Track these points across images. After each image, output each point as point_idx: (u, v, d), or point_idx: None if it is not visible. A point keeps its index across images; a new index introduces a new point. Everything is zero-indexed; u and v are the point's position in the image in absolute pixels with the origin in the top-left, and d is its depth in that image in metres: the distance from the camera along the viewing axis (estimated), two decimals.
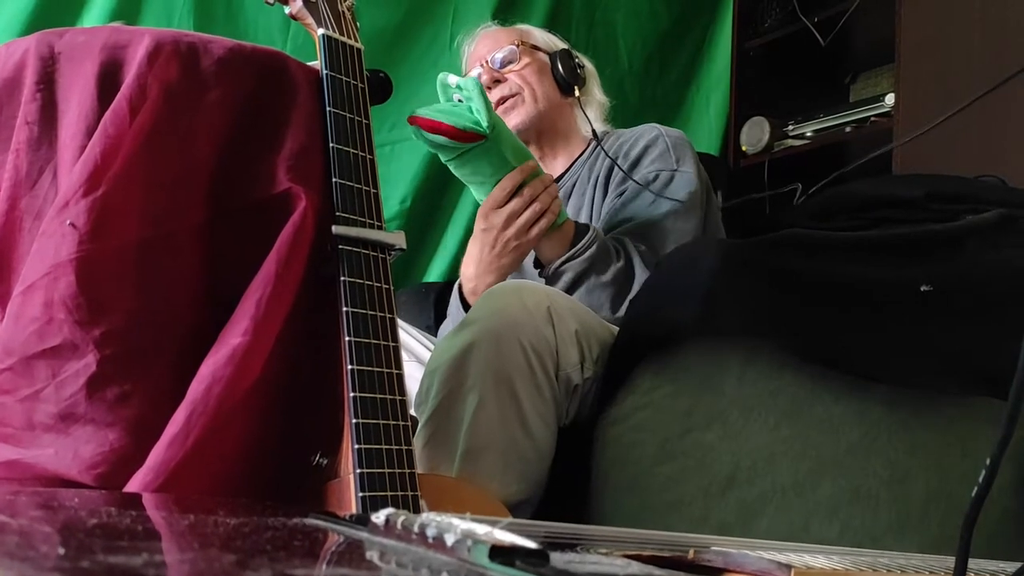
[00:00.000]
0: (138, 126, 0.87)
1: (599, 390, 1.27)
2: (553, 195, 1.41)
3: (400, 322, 1.04)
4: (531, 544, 0.42)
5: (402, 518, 0.49)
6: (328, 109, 0.97)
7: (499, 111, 1.68)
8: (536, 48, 1.76)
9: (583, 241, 1.44)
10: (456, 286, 1.53)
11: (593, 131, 1.69)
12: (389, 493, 0.89)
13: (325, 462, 0.96)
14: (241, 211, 0.93)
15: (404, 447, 0.91)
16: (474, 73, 1.73)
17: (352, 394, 0.90)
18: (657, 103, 2.68)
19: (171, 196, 0.90)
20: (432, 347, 1.60)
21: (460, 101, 1.33)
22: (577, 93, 1.72)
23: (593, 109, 1.77)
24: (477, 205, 1.45)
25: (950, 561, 0.54)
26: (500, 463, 1.15)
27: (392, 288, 0.97)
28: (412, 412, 1.14)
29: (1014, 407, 0.46)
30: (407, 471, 0.91)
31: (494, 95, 1.69)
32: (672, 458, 1.18)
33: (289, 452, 0.95)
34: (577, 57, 1.76)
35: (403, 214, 2.27)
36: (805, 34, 2.47)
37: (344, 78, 1.00)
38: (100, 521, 0.53)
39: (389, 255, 0.98)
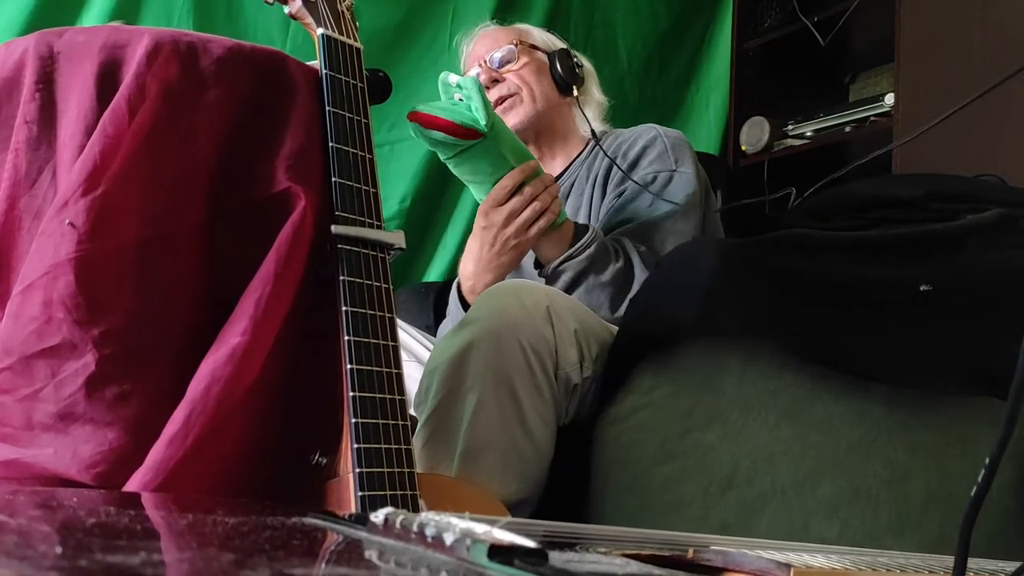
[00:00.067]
0: (137, 126, 0.87)
1: (598, 390, 1.27)
2: (553, 195, 1.41)
3: (399, 322, 1.04)
4: (530, 543, 0.42)
5: (401, 517, 0.49)
6: (327, 109, 0.97)
7: (498, 111, 1.68)
8: (535, 48, 1.76)
9: (582, 241, 1.44)
10: (455, 284, 1.53)
11: (592, 131, 1.69)
12: (388, 492, 0.89)
13: (324, 461, 0.96)
14: (240, 211, 0.93)
15: (403, 446, 0.91)
16: (472, 73, 1.73)
17: (351, 393, 0.90)
18: (657, 103, 2.68)
19: (170, 196, 0.90)
20: (431, 347, 1.60)
21: (460, 100, 1.33)
22: (576, 93, 1.72)
23: (592, 109, 1.77)
24: (477, 205, 1.45)
25: (950, 561, 0.54)
26: (499, 463, 1.15)
27: (391, 287, 0.97)
28: (411, 412, 1.13)
29: (1014, 407, 0.46)
30: (406, 470, 0.91)
31: (492, 95, 1.69)
32: (672, 458, 1.18)
33: (288, 451, 0.95)
34: (576, 56, 1.76)
35: (402, 214, 2.27)
36: (805, 34, 2.47)
37: (343, 78, 1.00)
38: (99, 520, 0.53)
39: (388, 254, 0.98)
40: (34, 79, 0.90)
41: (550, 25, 2.30)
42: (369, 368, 0.91)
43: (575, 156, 1.75)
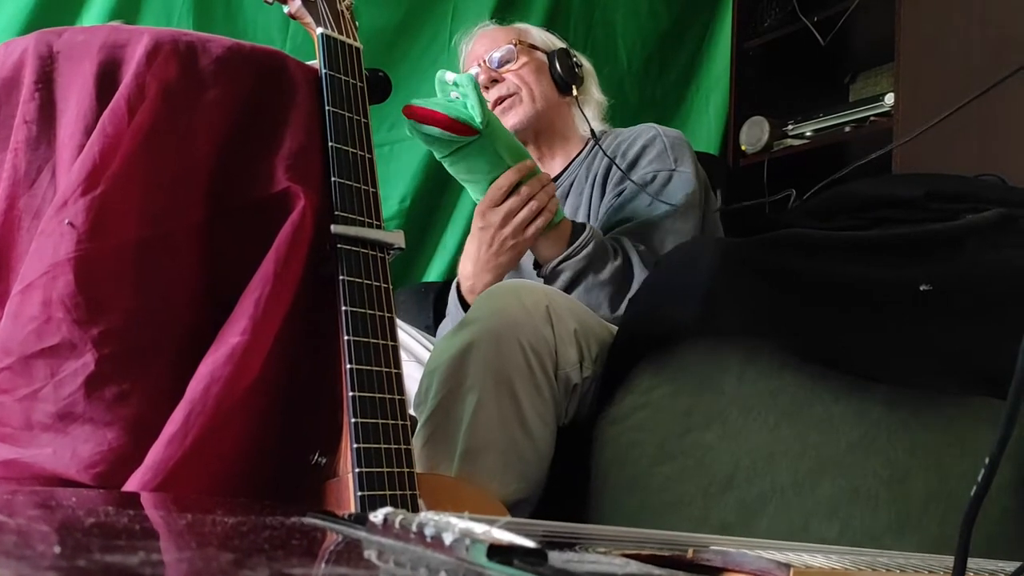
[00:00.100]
0: (136, 125, 0.87)
1: (598, 390, 1.27)
2: (550, 194, 1.41)
3: (399, 322, 1.04)
4: (529, 543, 0.42)
5: (400, 517, 0.49)
6: (327, 108, 0.97)
7: (497, 111, 1.68)
8: (534, 47, 1.76)
9: (580, 240, 1.44)
10: (454, 285, 1.53)
11: (591, 130, 1.69)
12: (388, 492, 0.88)
13: (324, 461, 0.96)
14: (240, 210, 0.93)
15: (403, 446, 0.91)
16: (472, 73, 1.73)
17: (351, 393, 0.89)
18: (656, 103, 2.68)
19: (170, 195, 0.90)
20: (431, 347, 1.60)
21: (456, 97, 1.33)
22: (575, 92, 1.72)
23: (591, 108, 1.77)
24: (476, 204, 1.44)
25: (949, 560, 0.54)
26: (499, 463, 1.15)
27: (391, 287, 0.97)
28: (411, 412, 1.13)
29: (1013, 407, 0.46)
30: (406, 470, 0.91)
31: (492, 95, 1.69)
32: (671, 458, 1.18)
33: (288, 451, 0.95)
34: (575, 56, 1.76)
35: (402, 213, 2.27)
36: (805, 34, 2.47)
37: (343, 77, 1.00)
38: (97, 520, 0.53)
39: (388, 254, 0.98)
40: (33, 79, 0.90)
41: (550, 25, 2.30)
42: (369, 368, 0.91)
43: (574, 156, 1.74)
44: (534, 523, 0.57)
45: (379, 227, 0.97)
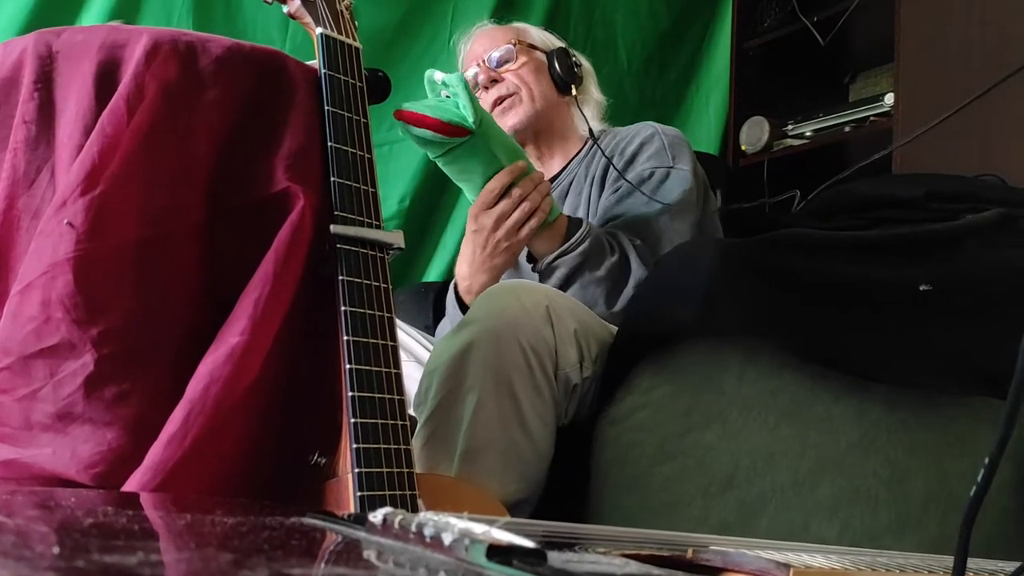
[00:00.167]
0: (136, 125, 0.87)
1: (598, 390, 1.27)
2: (543, 193, 1.40)
3: (398, 322, 1.04)
4: (529, 543, 0.42)
5: (400, 517, 0.49)
6: (327, 108, 0.97)
7: (497, 111, 1.68)
8: (533, 47, 1.76)
9: (576, 236, 1.44)
10: (452, 285, 1.52)
11: (590, 130, 1.69)
12: (387, 492, 0.88)
13: (323, 461, 0.96)
14: (239, 210, 0.93)
15: (402, 446, 0.91)
16: (471, 73, 1.73)
17: (350, 393, 0.89)
18: (656, 103, 2.69)
19: (169, 195, 0.90)
20: (431, 347, 1.60)
21: (447, 97, 1.32)
22: (574, 92, 1.72)
23: (590, 108, 1.76)
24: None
25: (949, 560, 0.54)
26: (499, 463, 1.15)
27: (391, 287, 0.97)
28: (411, 412, 1.13)
29: (1013, 407, 0.46)
30: (405, 470, 0.91)
31: (491, 95, 1.69)
32: (671, 458, 1.17)
33: (287, 451, 0.95)
34: (574, 55, 1.76)
35: (402, 213, 2.27)
36: (804, 34, 2.47)
37: (343, 77, 1.00)
38: (97, 520, 0.53)
39: (387, 254, 0.98)
40: (33, 78, 0.90)
41: (550, 24, 2.29)
42: (368, 368, 0.91)
43: (573, 155, 1.74)
44: (533, 523, 0.57)
45: (378, 227, 0.97)
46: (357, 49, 1.03)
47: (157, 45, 0.90)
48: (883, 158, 1.95)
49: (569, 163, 1.74)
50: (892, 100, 2.23)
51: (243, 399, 0.86)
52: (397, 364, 0.94)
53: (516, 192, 1.37)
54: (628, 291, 1.44)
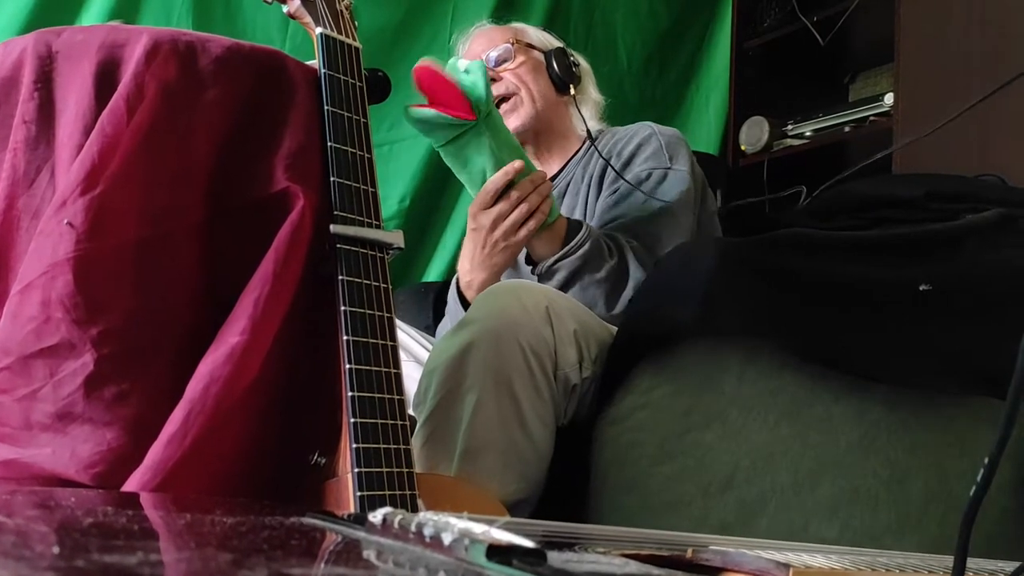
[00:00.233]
0: (136, 125, 0.87)
1: (598, 390, 1.27)
2: (543, 194, 1.39)
3: (398, 322, 1.04)
4: (528, 543, 0.42)
5: (399, 517, 0.49)
6: (326, 108, 0.97)
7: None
8: (531, 46, 1.76)
9: (576, 239, 1.43)
10: (454, 280, 1.53)
11: (588, 131, 1.69)
12: (387, 492, 0.88)
13: (323, 461, 0.96)
14: (239, 210, 0.93)
15: (402, 446, 0.91)
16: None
17: (350, 393, 0.89)
18: (656, 103, 2.69)
19: (169, 195, 0.90)
20: (430, 347, 1.60)
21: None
22: (573, 91, 1.72)
23: (589, 107, 1.76)
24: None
25: (949, 560, 0.54)
26: (499, 463, 1.15)
27: (390, 287, 0.97)
28: (410, 412, 1.13)
29: (1012, 407, 0.46)
30: (405, 470, 0.91)
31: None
32: (671, 458, 1.17)
33: (287, 451, 0.95)
34: (572, 55, 1.76)
35: (402, 213, 2.27)
36: (804, 34, 2.47)
37: (342, 77, 1.00)
38: (96, 520, 0.53)
39: (387, 254, 0.98)
40: (32, 78, 0.90)
41: (550, 25, 2.29)
42: (368, 368, 0.91)
43: (572, 155, 1.74)
44: (533, 523, 0.57)
45: (378, 227, 0.97)
46: (357, 49, 1.03)
47: (157, 45, 0.90)
48: (882, 158, 1.95)
49: (567, 163, 1.74)
50: (892, 100, 2.23)
51: (243, 399, 0.86)
52: (397, 364, 0.94)
53: (514, 194, 1.37)
54: (627, 294, 1.44)
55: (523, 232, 1.38)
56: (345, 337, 0.91)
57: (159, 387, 0.87)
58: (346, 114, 0.99)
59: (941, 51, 2.10)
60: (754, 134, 2.57)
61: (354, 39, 1.04)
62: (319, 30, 1.01)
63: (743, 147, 2.60)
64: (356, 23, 1.07)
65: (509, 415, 1.16)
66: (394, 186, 2.25)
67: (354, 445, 0.88)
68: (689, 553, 0.54)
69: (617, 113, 1.89)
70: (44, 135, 0.90)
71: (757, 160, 2.57)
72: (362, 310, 0.93)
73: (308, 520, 0.57)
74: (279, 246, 0.89)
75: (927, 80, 2.13)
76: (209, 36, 0.95)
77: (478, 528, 0.44)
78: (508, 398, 1.16)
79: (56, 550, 0.40)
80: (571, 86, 1.71)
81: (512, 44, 1.73)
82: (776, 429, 1.14)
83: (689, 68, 2.76)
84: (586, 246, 1.43)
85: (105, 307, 0.85)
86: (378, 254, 0.97)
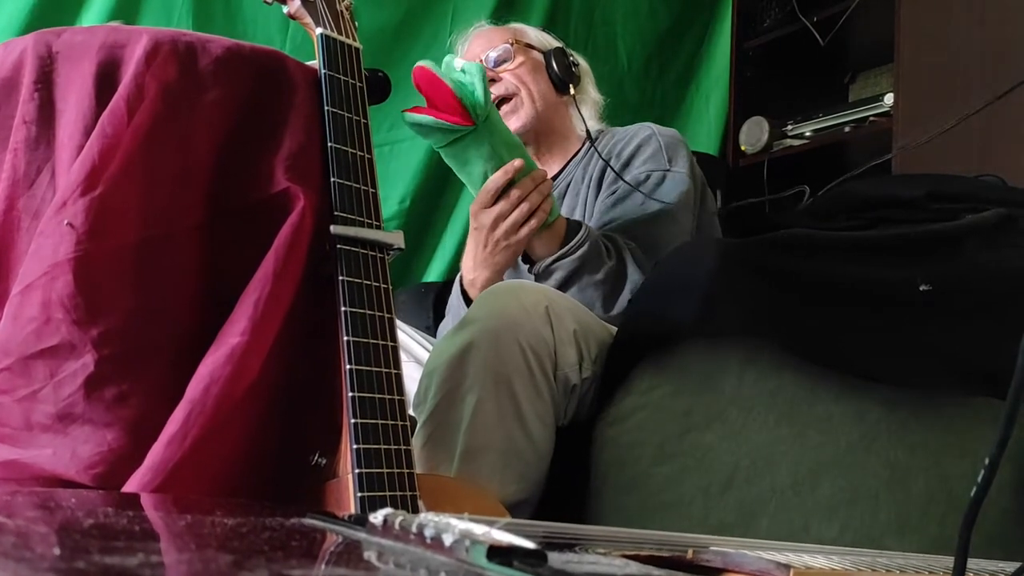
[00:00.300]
0: (136, 126, 0.87)
1: (598, 390, 1.27)
2: (544, 193, 1.39)
3: (398, 322, 1.04)
4: (529, 544, 0.42)
5: (400, 518, 0.49)
6: (326, 108, 0.97)
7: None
8: (530, 46, 1.76)
9: (575, 239, 1.43)
10: (457, 277, 1.53)
11: (587, 131, 1.69)
12: (388, 493, 0.88)
13: (324, 462, 0.96)
14: (239, 211, 0.93)
15: (403, 447, 0.91)
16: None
17: (351, 394, 0.89)
18: (656, 103, 2.69)
19: (169, 196, 0.90)
20: (430, 347, 1.60)
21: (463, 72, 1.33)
22: (572, 91, 1.72)
23: (588, 108, 1.76)
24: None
25: (949, 561, 0.54)
26: (499, 463, 1.15)
27: (391, 288, 0.97)
28: (411, 412, 1.13)
29: (1013, 407, 0.46)
30: (406, 471, 0.91)
31: (491, 95, 1.69)
32: (671, 458, 1.18)
33: (288, 452, 0.95)
34: (571, 55, 1.75)
35: (402, 214, 2.27)
36: (804, 34, 2.47)
37: (343, 77, 1.00)
38: (97, 521, 0.53)
39: (387, 255, 0.98)
40: (33, 79, 0.90)
41: (550, 25, 2.30)
42: (368, 368, 0.91)
43: (572, 155, 1.74)
44: (534, 524, 0.57)
45: (378, 227, 0.97)
46: (357, 49, 1.03)
47: (157, 45, 0.90)
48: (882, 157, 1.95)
49: (568, 164, 1.74)
50: (892, 100, 2.23)
51: (243, 400, 0.86)
52: (397, 364, 0.94)
53: (515, 193, 1.36)
54: (624, 296, 1.44)
55: (524, 230, 1.38)
56: (345, 338, 0.91)
57: (159, 388, 0.87)
58: (346, 114, 0.99)
59: (941, 51, 2.10)
60: (754, 134, 2.57)
61: (354, 39, 1.04)
62: (319, 30, 1.01)
63: (743, 147, 2.60)
64: (356, 23, 1.07)
65: (509, 415, 1.16)
66: (394, 186, 2.25)
67: (354, 446, 0.88)
68: (689, 554, 0.54)
69: (617, 113, 1.88)
70: (44, 136, 0.90)
71: (757, 160, 2.57)
72: (362, 311, 0.93)
73: (309, 521, 0.57)
74: (279, 247, 0.89)
75: (927, 80, 2.13)
76: (209, 37, 0.95)
77: (479, 529, 0.44)
78: (508, 398, 1.16)
79: (57, 551, 0.40)
80: (571, 86, 1.71)
81: (511, 44, 1.73)
82: (776, 429, 1.14)
83: (689, 68, 2.76)
84: (585, 247, 1.43)
85: (105, 308, 0.85)
86: (378, 255, 0.97)
